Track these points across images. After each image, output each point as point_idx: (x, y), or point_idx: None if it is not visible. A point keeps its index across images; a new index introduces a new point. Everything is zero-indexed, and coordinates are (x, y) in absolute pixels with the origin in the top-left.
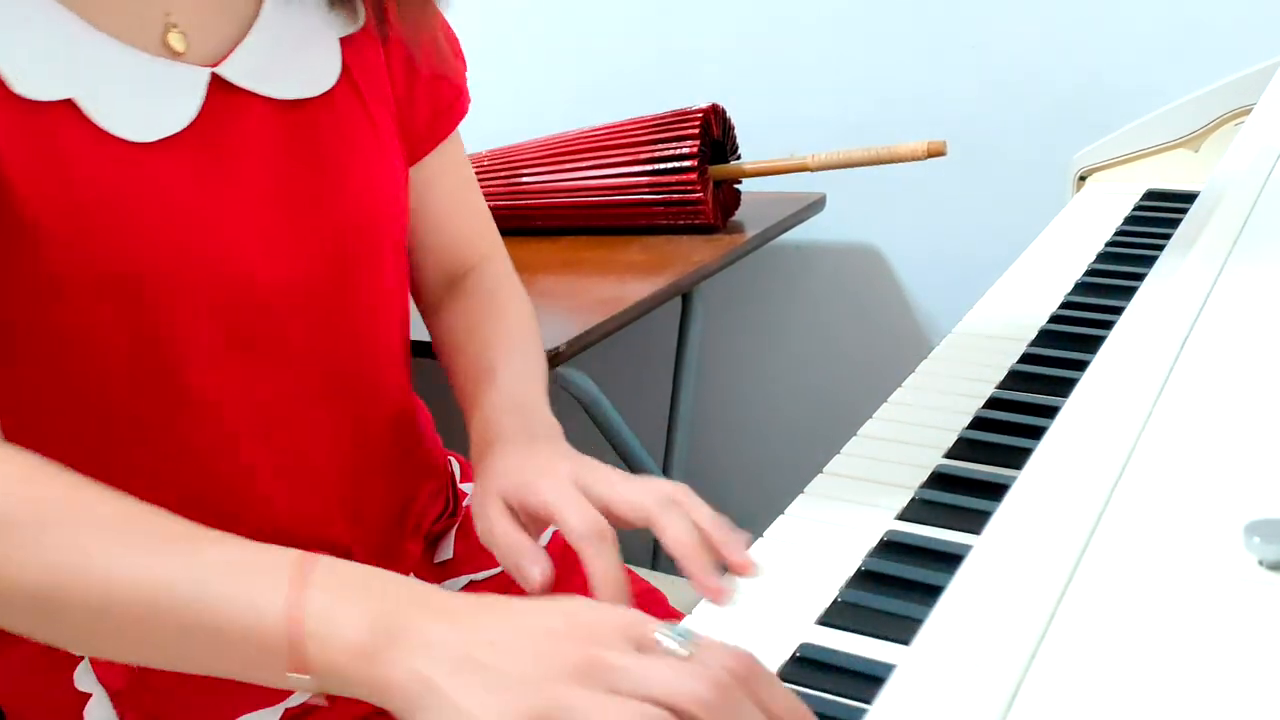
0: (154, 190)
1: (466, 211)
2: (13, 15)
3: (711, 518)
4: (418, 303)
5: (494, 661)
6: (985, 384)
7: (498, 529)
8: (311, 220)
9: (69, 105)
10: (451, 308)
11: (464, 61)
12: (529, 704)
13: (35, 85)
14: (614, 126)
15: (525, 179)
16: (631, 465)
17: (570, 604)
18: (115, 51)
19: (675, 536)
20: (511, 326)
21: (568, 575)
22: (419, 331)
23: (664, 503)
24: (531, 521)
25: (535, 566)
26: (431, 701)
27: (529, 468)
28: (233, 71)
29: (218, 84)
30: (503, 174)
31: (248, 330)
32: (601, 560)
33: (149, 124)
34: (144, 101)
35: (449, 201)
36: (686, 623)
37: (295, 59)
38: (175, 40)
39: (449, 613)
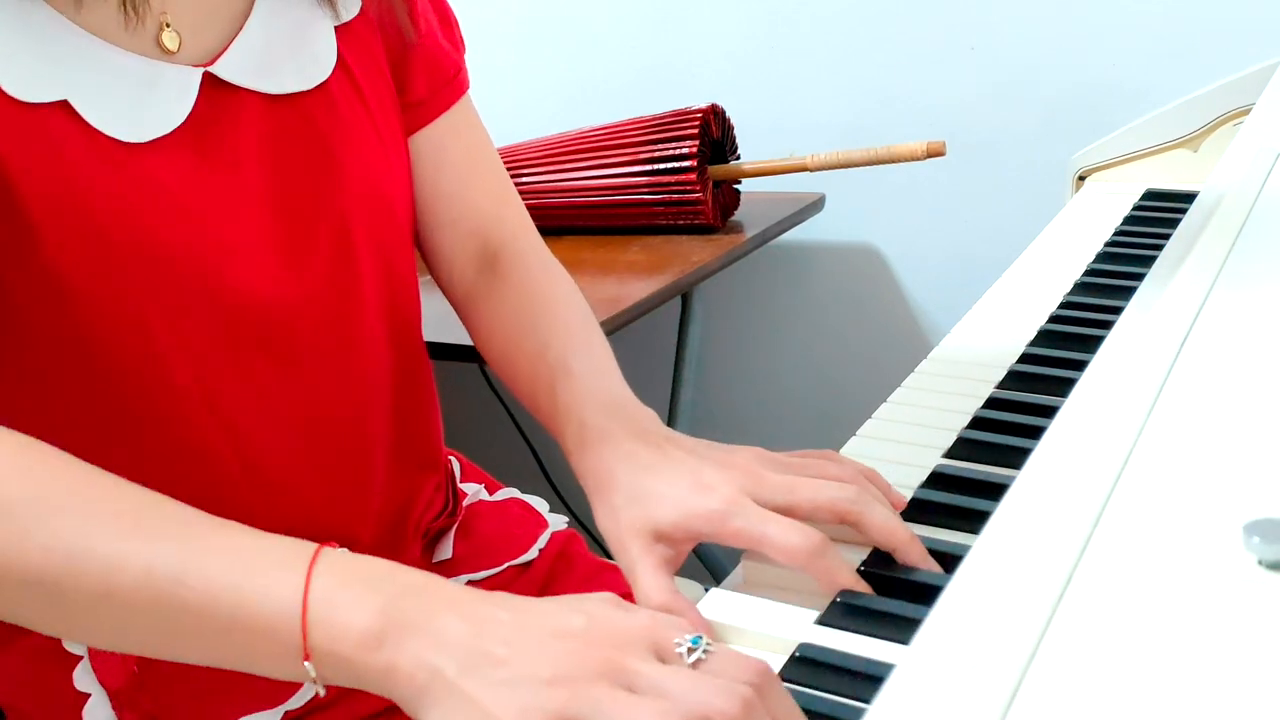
0: (149, 190)
1: (484, 182)
2: (4, 17)
3: (889, 492)
4: (448, 292)
5: (511, 659)
6: (984, 384)
7: (650, 587)
8: (313, 213)
9: (63, 106)
10: (492, 296)
11: (462, 42)
12: (553, 703)
13: (29, 87)
14: (613, 126)
15: (525, 179)
16: None
17: (589, 604)
18: (107, 53)
19: (879, 527)
20: (570, 313)
21: (566, 573)
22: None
23: (857, 499)
24: (687, 543)
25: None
26: (442, 695)
27: (680, 489)
28: (226, 69)
29: (211, 82)
30: None
31: (250, 326)
32: (837, 569)
33: (141, 124)
34: (136, 102)
35: (463, 170)
36: None
37: (290, 53)
38: (169, 39)
39: (459, 605)
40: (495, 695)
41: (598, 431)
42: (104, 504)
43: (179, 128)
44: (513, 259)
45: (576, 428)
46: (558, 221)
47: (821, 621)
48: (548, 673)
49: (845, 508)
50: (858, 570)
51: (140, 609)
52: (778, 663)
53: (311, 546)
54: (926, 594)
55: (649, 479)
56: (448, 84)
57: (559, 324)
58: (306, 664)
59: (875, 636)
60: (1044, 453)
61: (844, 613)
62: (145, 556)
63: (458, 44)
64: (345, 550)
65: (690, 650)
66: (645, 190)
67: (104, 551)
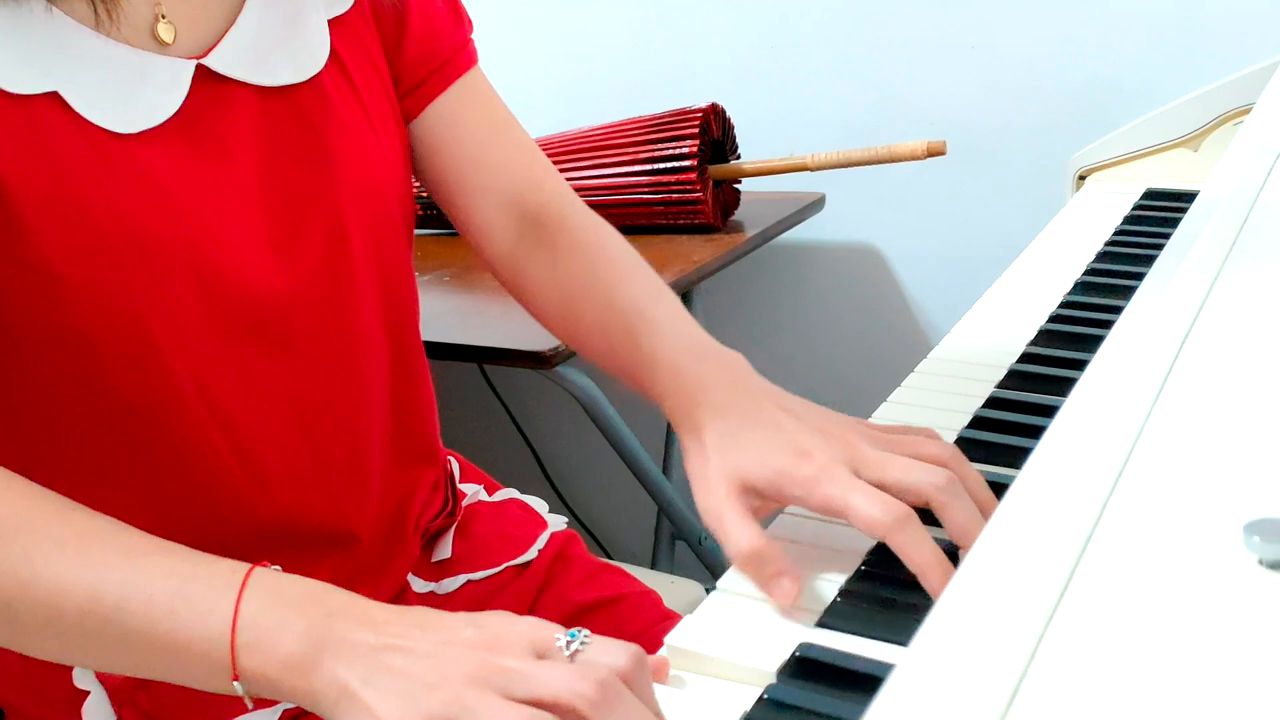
0: (140, 181)
1: (509, 147)
2: None
3: (985, 486)
4: (492, 264)
5: (404, 667)
6: (984, 383)
7: (741, 535)
8: (306, 205)
9: (54, 98)
10: (541, 258)
11: (469, 20)
12: (429, 705)
13: (19, 78)
14: (613, 126)
15: None
16: (631, 466)
17: (483, 617)
18: (99, 44)
19: (959, 524)
20: (630, 261)
21: (564, 574)
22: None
23: (946, 488)
24: (774, 503)
25: (792, 582)
26: (347, 705)
27: (777, 451)
28: (219, 62)
29: (204, 74)
30: None
31: (244, 318)
32: (916, 546)
33: (132, 115)
34: (128, 93)
35: (483, 137)
36: (685, 624)
37: (283, 45)
38: (164, 31)
39: (372, 622)
40: (386, 702)
41: (693, 377)
42: (50, 531)
43: (171, 119)
44: (557, 219)
45: (668, 374)
46: None
47: (821, 622)
48: (432, 678)
49: (931, 493)
50: (859, 568)
51: (86, 631)
52: (775, 661)
53: (244, 569)
54: (926, 594)
55: (746, 432)
56: (450, 59)
57: (621, 272)
58: (235, 684)
59: (875, 637)
60: (1044, 453)
61: (844, 613)
62: (90, 583)
63: (462, 21)
64: (278, 569)
65: (568, 644)
66: (645, 190)
67: (50, 578)
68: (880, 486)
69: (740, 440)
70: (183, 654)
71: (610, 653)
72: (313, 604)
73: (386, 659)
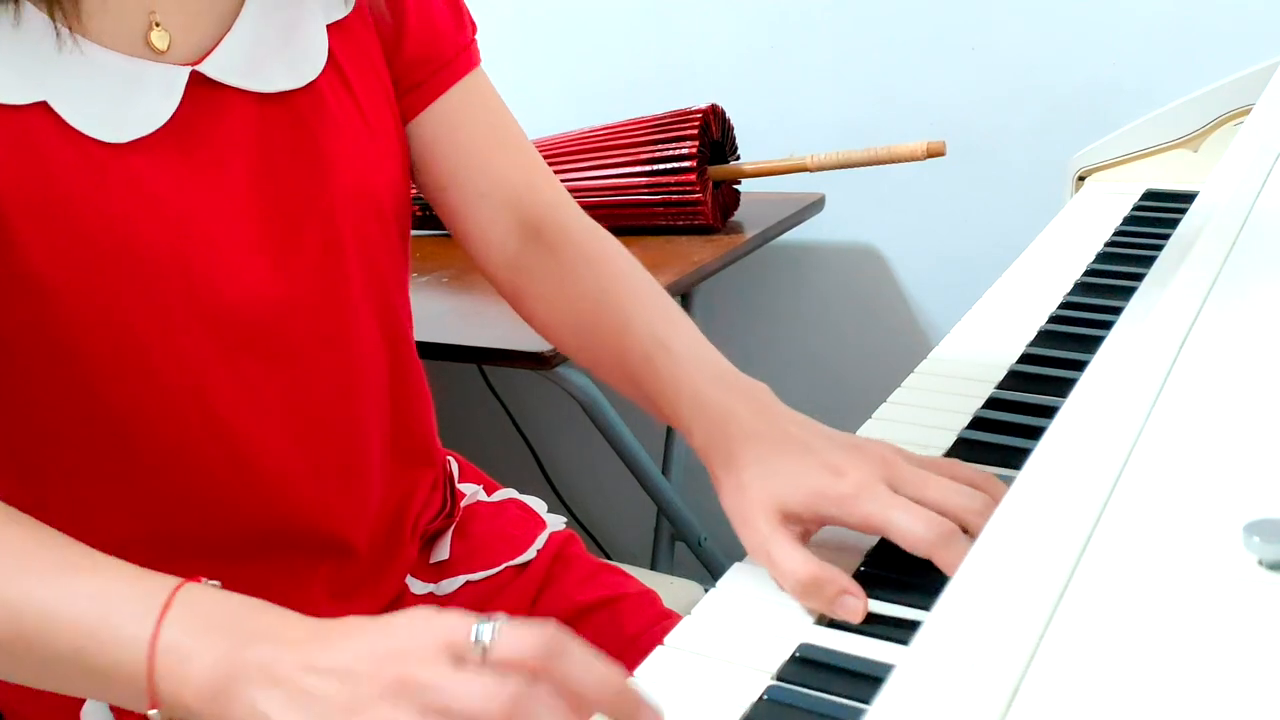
0: (132, 190)
1: (509, 153)
2: None
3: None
4: (490, 271)
5: (320, 690)
6: (984, 384)
7: (793, 562)
8: (300, 211)
9: (44, 108)
10: (545, 269)
11: (472, 22)
12: None
13: (9, 89)
14: (613, 127)
15: None
16: (631, 466)
17: (399, 621)
18: (91, 53)
19: None
20: (640, 282)
21: (563, 574)
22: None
23: (984, 513)
24: (814, 525)
25: (857, 598)
26: None
27: (811, 471)
28: (214, 68)
29: (198, 81)
30: None
31: (238, 327)
32: (960, 559)
33: (124, 124)
34: (119, 101)
35: (484, 142)
36: (685, 624)
37: (280, 51)
38: (158, 39)
39: (290, 642)
40: None
41: (718, 408)
42: None
43: (163, 127)
44: (558, 229)
45: (692, 406)
46: None
47: (821, 621)
48: (346, 699)
49: (971, 519)
50: (859, 568)
51: (8, 649)
52: (776, 661)
53: (172, 587)
54: (926, 594)
55: (778, 459)
56: (451, 61)
57: (633, 294)
58: (153, 712)
59: (875, 637)
60: (1044, 453)
61: None
62: (13, 600)
63: (464, 22)
64: (210, 584)
65: (477, 642)
66: (645, 190)
67: None
68: (919, 501)
69: (772, 467)
70: (105, 678)
71: (519, 645)
72: (235, 627)
73: (304, 682)
